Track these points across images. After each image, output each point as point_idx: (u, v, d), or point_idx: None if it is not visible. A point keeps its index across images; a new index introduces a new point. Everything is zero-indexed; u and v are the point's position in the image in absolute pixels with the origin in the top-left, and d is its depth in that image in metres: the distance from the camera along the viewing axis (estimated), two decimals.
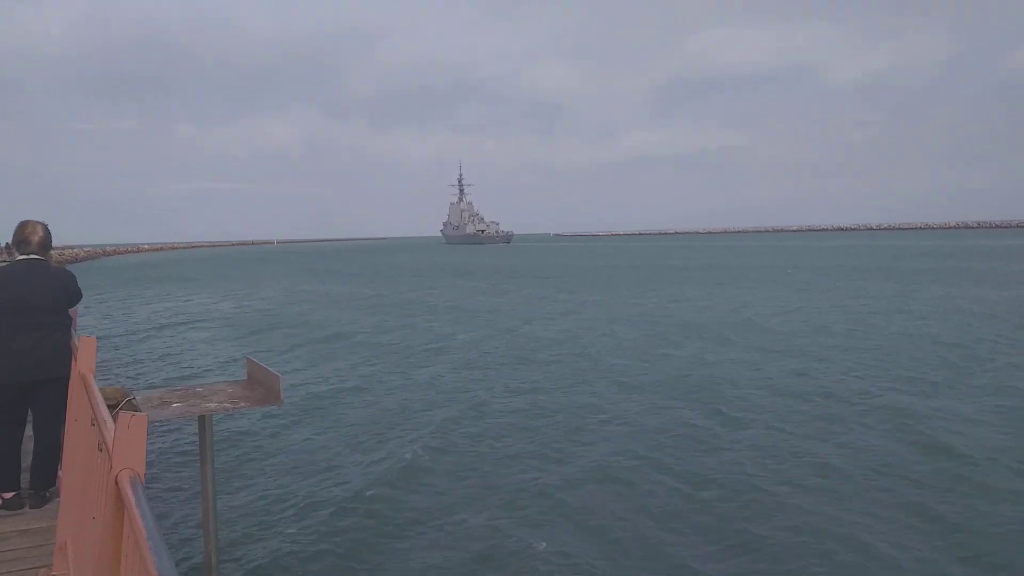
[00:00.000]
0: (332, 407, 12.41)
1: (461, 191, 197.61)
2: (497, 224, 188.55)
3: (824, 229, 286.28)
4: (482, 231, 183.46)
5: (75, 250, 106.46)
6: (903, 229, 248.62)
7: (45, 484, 5.00)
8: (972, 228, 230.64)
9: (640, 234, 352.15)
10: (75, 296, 5.22)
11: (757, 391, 12.93)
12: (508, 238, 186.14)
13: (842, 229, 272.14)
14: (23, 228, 5.13)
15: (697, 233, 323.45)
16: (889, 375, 14.00)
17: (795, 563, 6.41)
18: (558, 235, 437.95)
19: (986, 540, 6.75)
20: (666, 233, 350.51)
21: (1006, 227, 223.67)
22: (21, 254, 5.12)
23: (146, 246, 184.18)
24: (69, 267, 61.31)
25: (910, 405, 11.60)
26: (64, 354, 4.97)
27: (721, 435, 10.30)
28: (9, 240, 5.32)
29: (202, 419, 3.74)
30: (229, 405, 3.71)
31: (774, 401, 12.24)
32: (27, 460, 5.10)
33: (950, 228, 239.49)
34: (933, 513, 7.36)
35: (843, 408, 11.49)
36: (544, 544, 6.79)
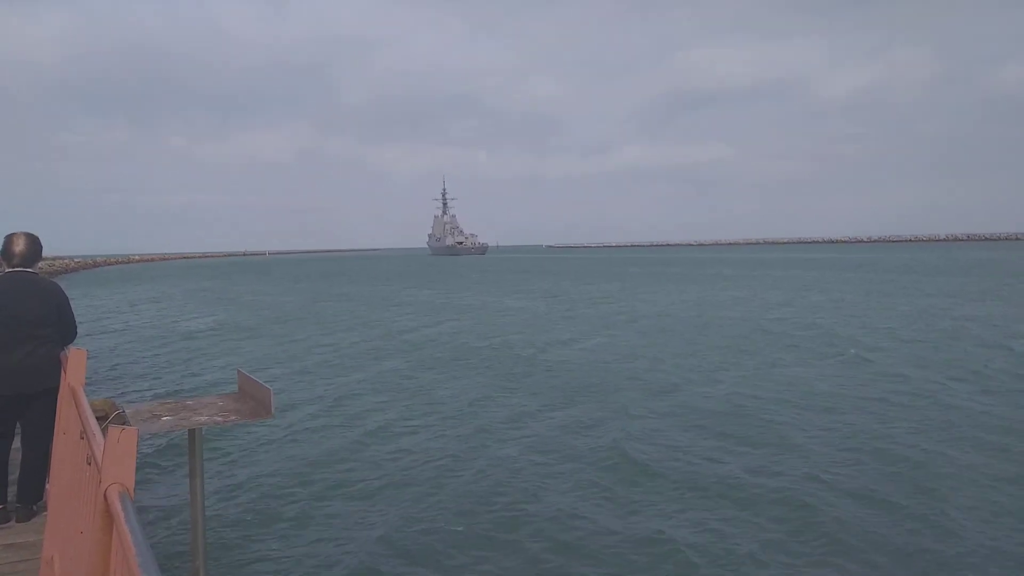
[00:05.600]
0: (323, 420, 12.36)
1: (445, 204, 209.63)
2: (475, 236, 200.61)
3: (815, 241, 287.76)
4: (460, 243, 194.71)
5: (66, 260, 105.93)
6: (894, 242, 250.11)
7: (33, 497, 4.95)
8: (962, 240, 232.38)
9: (632, 246, 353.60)
10: (65, 310, 5.18)
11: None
12: (483, 249, 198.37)
13: (833, 241, 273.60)
14: (6, 241, 5.13)
15: (689, 245, 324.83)
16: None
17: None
18: (551, 247, 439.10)
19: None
20: (658, 245, 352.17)
21: (995, 239, 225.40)
22: (8, 267, 5.11)
23: (136, 257, 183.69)
24: (59, 277, 61.13)
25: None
26: (53, 366, 4.94)
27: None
28: None
29: (192, 432, 3.72)
30: (220, 418, 3.68)
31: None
32: (15, 473, 5.05)
33: (940, 240, 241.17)
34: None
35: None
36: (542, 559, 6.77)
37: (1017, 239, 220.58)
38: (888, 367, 16.07)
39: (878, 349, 18.63)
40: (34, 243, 5.21)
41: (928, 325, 23.31)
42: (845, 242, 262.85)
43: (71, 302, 5.31)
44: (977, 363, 16.24)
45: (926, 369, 15.75)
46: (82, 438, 2.90)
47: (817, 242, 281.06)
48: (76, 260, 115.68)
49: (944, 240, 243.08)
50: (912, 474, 8.88)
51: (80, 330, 5.47)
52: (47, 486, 4.91)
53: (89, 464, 2.50)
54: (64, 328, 5.18)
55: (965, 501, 8.02)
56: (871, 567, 6.52)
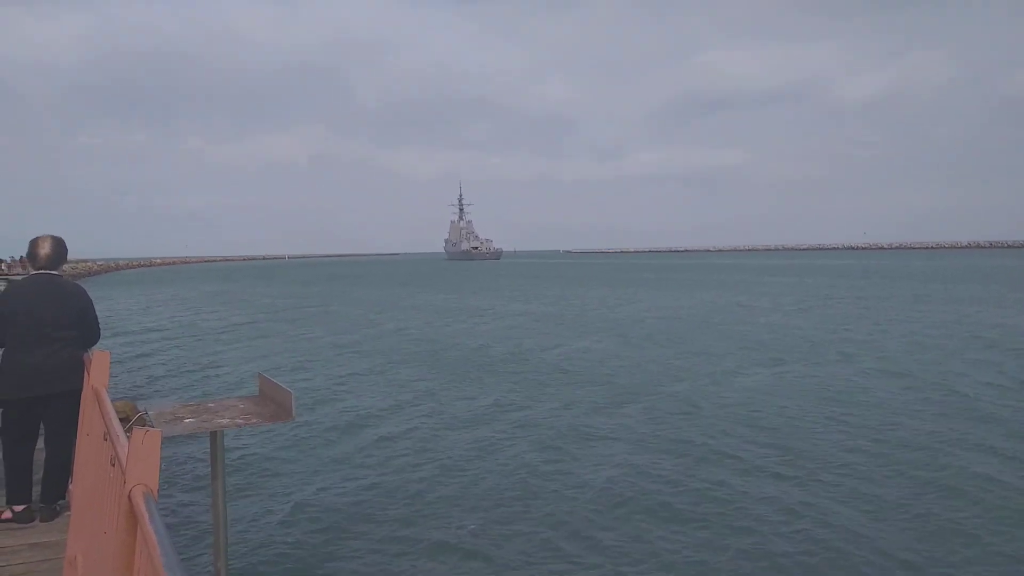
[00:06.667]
0: (338, 419, 12.43)
1: (461, 210, 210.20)
2: (490, 241, 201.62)
3: (834, 247, 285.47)
4: (475, 248, 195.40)
5: (89, 264, 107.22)
6: (914, 248, 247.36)
7: (56, 497, 5.01)
8: (984, 248, 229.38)
9: (650, 252, 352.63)
10: (89, 313, 5.24)
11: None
12: (497, 254, 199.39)
13: (852, 248, 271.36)
14: (33, 243, 5.21)
15: (707, 251, 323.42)
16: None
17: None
18: (568, 252, 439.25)
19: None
20: (676, 251, 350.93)
21: (1019, 247, 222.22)
22: (34, 269, 5.18)
23: (158, 260, 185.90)
24: (82, 280, 61.92)
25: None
26: (76, 368, 4.99)
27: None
28: (24, 254, 5.38)
29: (214, 435, 3.74)
30: (241, 421, 3.71)
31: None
32: (38, 473, 5.11)
33: (962, 248, 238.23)
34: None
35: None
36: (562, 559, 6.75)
37: None
38: (869, 371, 16.45)
39: (859, 355, 18.93)
40: (59, 246, 5.27)
41: (913, 332, 23.39)
42: (863, 248, 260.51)
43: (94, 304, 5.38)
44: (941, 371, 16.48)
45: (876, 373, 16.19)
46: (106, 439, 2.92)
47: (836, 248, 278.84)
48: (99, 263, 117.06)
49: (966, 247, 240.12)
50: (844, 481, 8.97)
51: (102, 332, 5.53)
52: (70, 486, 4.96)
53: (113, 465, 2.51)
54: (88, 330, 5.23)
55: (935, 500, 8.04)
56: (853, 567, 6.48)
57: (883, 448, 10.34)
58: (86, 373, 4.72)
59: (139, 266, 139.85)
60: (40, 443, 5.18)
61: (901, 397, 13.75)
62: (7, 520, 4.86)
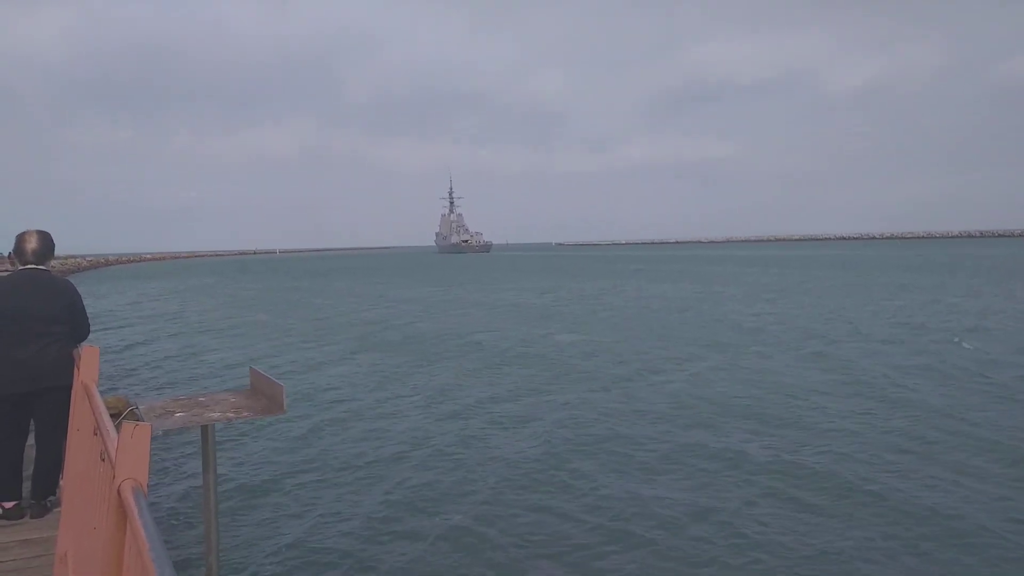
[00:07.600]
0: (330, 412, 12.41)
1: (451, 203, 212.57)
2: (480, 235, 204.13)
3: (826, 238, 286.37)
4: (465, 241, 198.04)
5: (78, 259, 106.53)
6: (906, 238, 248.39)
7: (46, 493, 4.99)
8: (975, 237, 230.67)
9: (643, 243, 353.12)
10: (78, 308, 5.20)
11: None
12: (487, 247, 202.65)
13: (844, 238, 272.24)
14: (19, 238, 5.15)
15: (699, 243, 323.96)
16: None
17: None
18: (560, 245, 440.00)
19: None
20: (668, 243, 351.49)
21: (1008, 236, 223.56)
22: (21, 264, 5.13)
23: (148, 255, 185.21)
24: (71, 276, 61.61)
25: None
26: (66, 363, 4.96)
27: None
28: (11, 250, 5.32)
29: (204, 428, 3.72)
30: (232, 414, 3.69)
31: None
32: (28, 469, 5.08)
33: (953, 236, 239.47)
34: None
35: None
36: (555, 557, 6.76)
37: None
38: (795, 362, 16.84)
39: (805, 343, 19.66)
40: (46, 240, 5.23)
41: (872, 323, 23.67)
42: (855, 239, 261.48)
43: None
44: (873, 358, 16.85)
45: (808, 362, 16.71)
46: (95, 434, 2.90)
47: (828, 239, 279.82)
48: (88, 259, 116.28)
49: (957, 236, 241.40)
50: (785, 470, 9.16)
51: (91, 327, 5.50)
52: (60, 482, 4.94)
53: (103, 460, 2.50)
54: (77, 326, 5.19)
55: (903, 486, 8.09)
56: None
57: (790, 423, 11.28)
58: (76, 368, 4.69)
59: (128, 262, 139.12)
60: (30, 439, 5.15)
61: (829, 382, 14.46)
62: None
